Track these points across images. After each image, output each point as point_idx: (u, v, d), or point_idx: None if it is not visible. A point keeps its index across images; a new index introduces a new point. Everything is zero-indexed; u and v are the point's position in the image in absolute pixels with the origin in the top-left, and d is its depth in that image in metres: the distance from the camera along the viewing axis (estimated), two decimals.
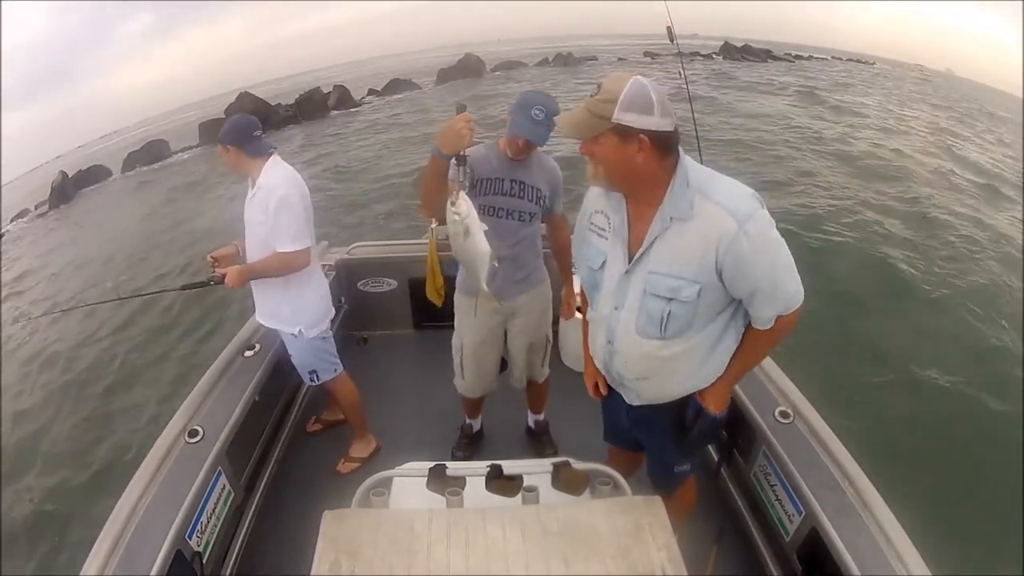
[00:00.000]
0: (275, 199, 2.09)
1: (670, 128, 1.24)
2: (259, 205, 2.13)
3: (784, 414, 2.06)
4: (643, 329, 1.40)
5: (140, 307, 7.10)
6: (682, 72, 3.25)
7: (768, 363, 2.30)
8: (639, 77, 1.22)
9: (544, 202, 2.10)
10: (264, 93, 30.59)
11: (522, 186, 2.04)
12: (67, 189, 20.91)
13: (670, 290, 1.32)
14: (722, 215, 1.24)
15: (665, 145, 1.25)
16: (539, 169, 2.09)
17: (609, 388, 1.67)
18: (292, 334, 2.36)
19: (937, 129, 17.60)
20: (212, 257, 2.30)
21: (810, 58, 49.59)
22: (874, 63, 53.92)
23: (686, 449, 1.66)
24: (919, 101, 25.81)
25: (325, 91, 30.56)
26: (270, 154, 2.17)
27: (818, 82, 28.43)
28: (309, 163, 14.34)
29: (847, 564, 1.56)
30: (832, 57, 54.72)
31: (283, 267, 2.18)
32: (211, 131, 25.10)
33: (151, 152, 25.09)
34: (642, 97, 1.20)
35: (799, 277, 1.33)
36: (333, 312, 2.51)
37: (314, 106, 28.45)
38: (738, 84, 24.36)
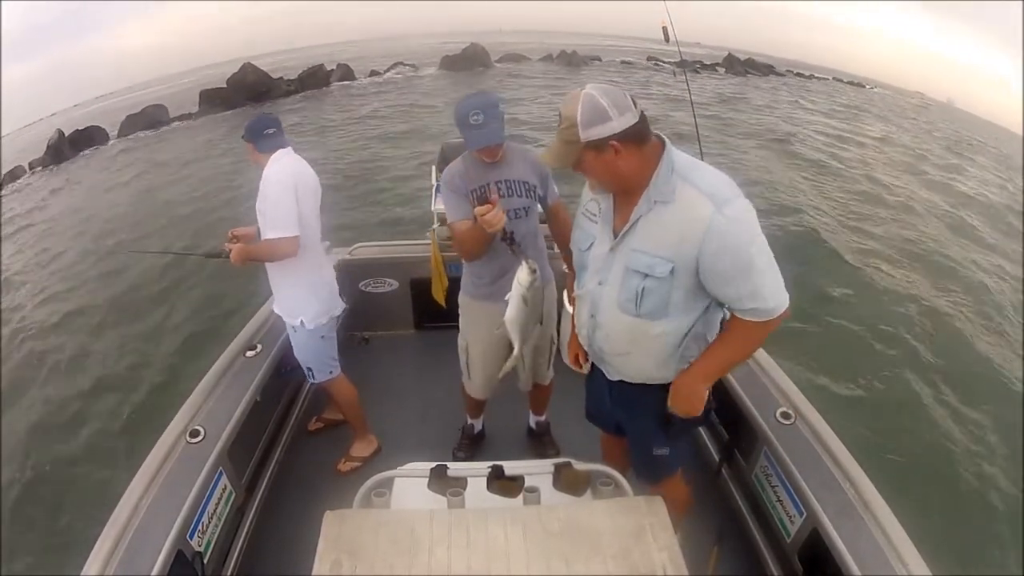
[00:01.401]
0: (267, 188, 2.17)
1: (634, 120, 1.29)
2: (260, 194, 2.22)
3: (785, 415, 2.06)
4: (623, 304, 1.46)
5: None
6: (684, 77, 3.26)
7: (769, 363, 2.30)
8: (587, 90, 1.29)
9: (536, 193, 2.09)
10: (267, 64, 30.38)
11: (509, 184, 2.03)
12: (63, 148, 20.10)
13: (647, 266, 1.38)
14: (700, 199, 1.29)
15: (637, 136, 1.31)
16: (521, 162, 2.06)
17: (594, 365, 1.72)
18: (293, 326, 2.41)
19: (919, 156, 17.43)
20: (232, 233, 2.43)
21: (811, 77, 49.23)
22: (874, 87, 53.86)
23: (668, 432, 1.67)
24: (917, 130, 25.65)
25: (328, 68, 30.74)
26: (279, 149, 2.26)
27: (819, 105, 28.17)
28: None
29: (848, 565, 1.56)
30: (833, 78, 54.45)
31: (269, 254, 2.23)
32: (212, 99, 24.90)
33: (149, 117, 24.25)
34: (595, 110, 1.27)
35: (782, 280, 1.35)
36: (339, 309, 2.51)
37: (317, 83, 28.47)
38: (738, 105, 24.09)
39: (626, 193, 1.42)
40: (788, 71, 48.06)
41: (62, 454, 4.35)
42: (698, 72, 35.84)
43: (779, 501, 2.00)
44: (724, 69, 41.06)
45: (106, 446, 4.32)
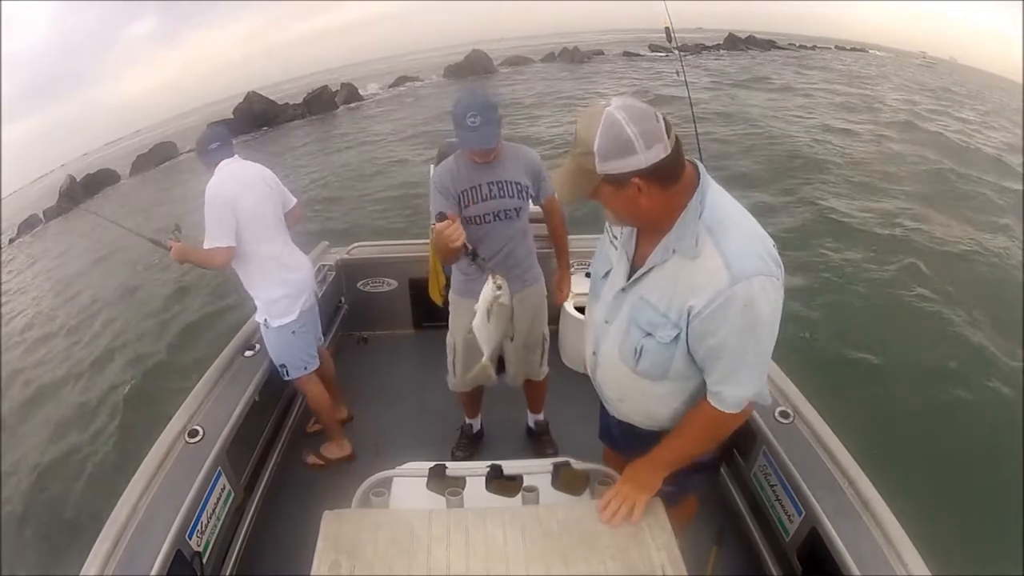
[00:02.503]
0: (205, 200, 2.24)
1: (663, 154, 1.07)
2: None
3: (784, 414, 2.06)
4: (623, 354, 1.34)
5: None
6: (683, 74, 3.25)
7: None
8: (611, 110, 1.06)
9: (527, 193, 2.08)
10: (270, 93, 30.98)
11: (500, 185, 2.03)
12: (75, 193, 20.40)
13: (649, 324, 1.24)
14: (717, 265, 1.11)
15: (664, 175, 1.10)
16: (513, 162, 2.05)
17: None
18: (260, 323, 2.46)
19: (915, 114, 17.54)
20: (177, 224, 2.50)
21: (814, 47, 50.45)
22: (877, 51, 54.41)
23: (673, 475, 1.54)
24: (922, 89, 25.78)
25: (333, 90, 31.12)
26: (223, 160, 2.34)
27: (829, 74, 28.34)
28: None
29: (847, 564, 1.56)
30: (836, 47, 55.30)
31: (203, 261, 2.31)
32: None
33: (159, 154, 24.96)
34: (617, 140, 1.05)
35: (758, 381, 1.24)
36: (298, 311, 2.46)
37: (322, 105, 28.84)
38: (738, 83, 24.28)
39: (649, 230, 1.26)
40: (790, 44, 48.94)
41: (63, 450, 4.35)
42: (698, 56, 35.93)
43: (778, 500, 2.00)
44: (726, 50, 41.24)
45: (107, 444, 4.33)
